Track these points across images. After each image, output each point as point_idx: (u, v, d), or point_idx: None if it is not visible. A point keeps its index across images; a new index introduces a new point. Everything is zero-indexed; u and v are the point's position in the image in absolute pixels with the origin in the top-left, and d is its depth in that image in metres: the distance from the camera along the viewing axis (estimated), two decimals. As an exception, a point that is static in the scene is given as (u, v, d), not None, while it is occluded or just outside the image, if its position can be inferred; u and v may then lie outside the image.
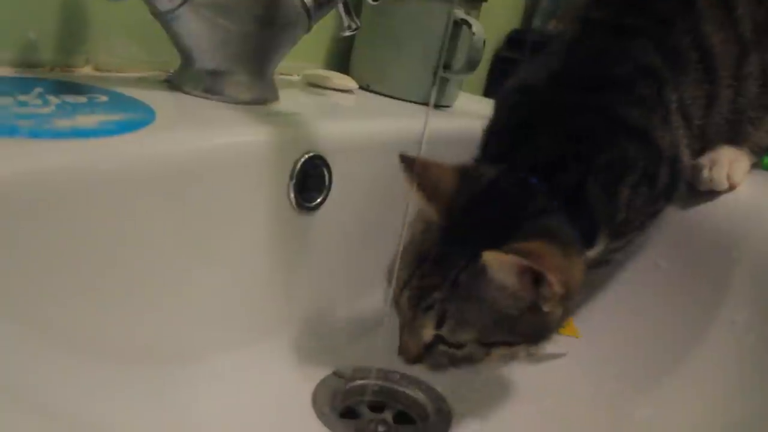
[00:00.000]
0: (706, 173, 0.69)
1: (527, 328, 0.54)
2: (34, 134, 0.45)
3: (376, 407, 0.66)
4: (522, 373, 0.70)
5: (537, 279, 0.50)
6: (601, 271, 0.70)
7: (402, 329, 0.58)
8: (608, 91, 0.61)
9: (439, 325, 0.54)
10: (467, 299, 0.53)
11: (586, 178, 0.57)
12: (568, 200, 0.56)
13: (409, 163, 0.56)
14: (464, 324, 0.54)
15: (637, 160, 0.60)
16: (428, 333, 0.55)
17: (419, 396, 0.67)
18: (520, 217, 0.54)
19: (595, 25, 0.68)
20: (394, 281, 0.57)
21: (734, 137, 0.71)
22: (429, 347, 0.56)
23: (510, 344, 0.55)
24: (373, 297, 0.73)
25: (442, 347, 0.56)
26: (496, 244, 0.50)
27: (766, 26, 0.68)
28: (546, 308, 0.52)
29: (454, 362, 0.56)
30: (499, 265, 0.50)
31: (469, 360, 0.56)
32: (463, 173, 0.57)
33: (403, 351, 0.58)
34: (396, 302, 0.58)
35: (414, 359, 0.57)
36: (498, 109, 0.68)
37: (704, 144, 0.69)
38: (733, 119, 0.69)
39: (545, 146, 0.59)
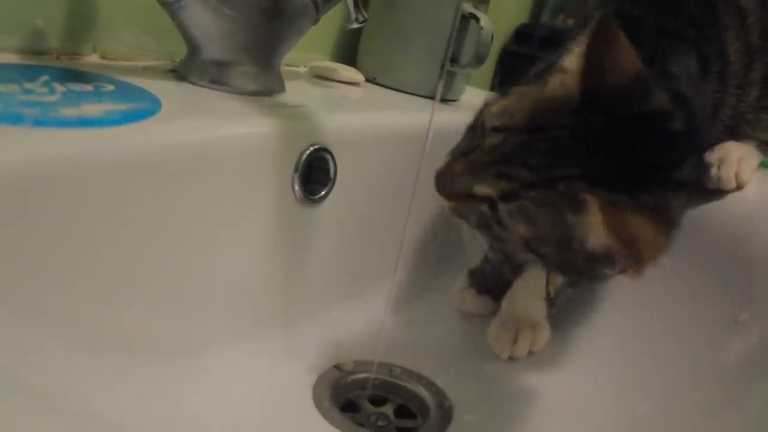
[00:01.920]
0: (714, 171, 0.68)
1: (578, 267, 0.51)
2: (39, 122, 0.45)
3: (377, 401, 0.66)
4: (523, 369, 0.70)
5: (622, 260, 0.47)
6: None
7: (460, 156, 0.52)
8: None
9: (503, 198, 0.49)
10: (550, 206, 0.48)
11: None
12: None
13: (606, 26, 0.47)
14: (527, 220, 0.49)
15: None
16: (485, 191, 0.50)
17: (420, 390, 0.67)
18: (658, 160, 0.49)
19: (635, 23, 0.62)
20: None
21: (732, 138, 0.70)
22: (473, 199, 0.51)
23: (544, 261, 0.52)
24: (376, 290, 0.73)
25: (485, 209, 0.50)
26: (621, 178, 0.47)
27: None
28: (608, 273, 0.50)
29: (484, 228, 0.51)
30: (598, 227, 0.45)
31: (499, 240, 0.51)
32: (639, 79, 0.49)
33: (446, 178, 0.52)
34: (479, 127, 0.52)
35: (451, 195, 0.52)
36: None
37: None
38: (731, 123, 0.69)
39: None
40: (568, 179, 0.47)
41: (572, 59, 0.50)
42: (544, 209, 0.48)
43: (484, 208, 0.50)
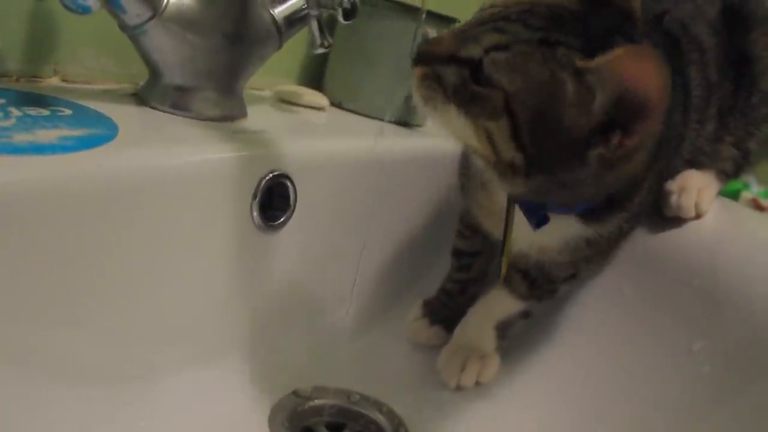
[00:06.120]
0: (674, 199, 0.69)
1: (557, 155, 0.48)
2: (-10, 149, 0.45)
3: (334, 427, 0.66)
4: (480, 397, 0.70)
5: (631, 114, 0.45)
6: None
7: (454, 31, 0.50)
8: None
9: (493, 48, 0.46)
10: (543, 63, 0.45)
11: None
12: None
13: None
14: (514, 70, 0.46)
15: None
16: (472, 52, 0.47)
17: (378, 417, 0.67)
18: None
19: None
20: None
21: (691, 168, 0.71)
22: (455, 61, 0.48)
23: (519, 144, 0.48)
24: (335, 316, 0.73)
25: (464, 71, 0.48)
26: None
27: (724, 67, 0.68)
28: (600, 153, 0.46)
29: (458, 95, 0.48)
30: (615, 67, 0.43)
31: (472, 108, 0.48)
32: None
33: (431, 45, 0.50)
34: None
35: (432, 59, 0.50)
36: None
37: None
38: (691, 158, 0.70)
39: None
40: (567, 46, 0.45)
41: None
42: (536, 64, 0.46)
43: (465, 70, 0.48)
